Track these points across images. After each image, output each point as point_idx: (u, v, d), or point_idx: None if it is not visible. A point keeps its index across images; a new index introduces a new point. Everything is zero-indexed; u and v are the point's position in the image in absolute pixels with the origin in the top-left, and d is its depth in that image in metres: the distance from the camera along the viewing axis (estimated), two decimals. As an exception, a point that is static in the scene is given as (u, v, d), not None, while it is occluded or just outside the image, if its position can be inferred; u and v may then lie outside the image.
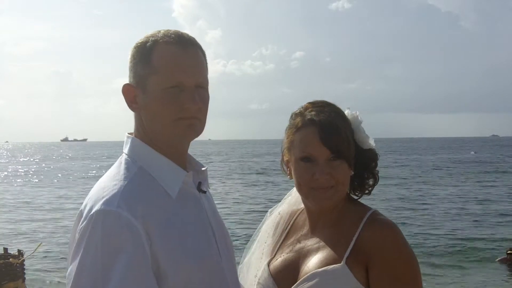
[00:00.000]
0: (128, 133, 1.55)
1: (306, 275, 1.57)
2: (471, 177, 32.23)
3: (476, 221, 16.55)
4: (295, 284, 1.59)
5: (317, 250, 1.63)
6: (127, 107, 1.51)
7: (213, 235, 1.51)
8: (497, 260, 11.78)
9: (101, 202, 1.34)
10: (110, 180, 1.43)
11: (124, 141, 1.55)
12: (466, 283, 10.35)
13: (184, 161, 1.54)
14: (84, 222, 1.34)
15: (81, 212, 1.38)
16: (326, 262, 1.57)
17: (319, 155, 1.60)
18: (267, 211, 1.92)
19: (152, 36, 1.49)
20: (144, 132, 1.49)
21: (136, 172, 1.44)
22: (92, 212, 1.33)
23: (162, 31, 1.50)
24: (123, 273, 1.27)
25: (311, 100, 1.72)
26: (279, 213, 1.85)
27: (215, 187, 26.84)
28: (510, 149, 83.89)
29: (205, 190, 1.56)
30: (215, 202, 1.67)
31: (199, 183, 1.55)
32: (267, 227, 1.85)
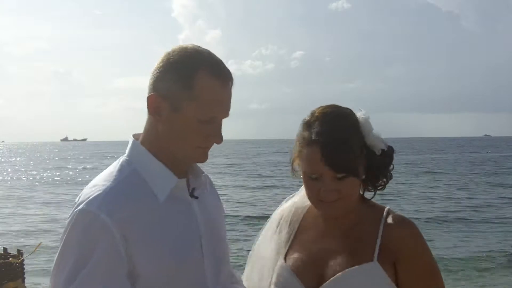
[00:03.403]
0: (134, 135, 1.59)
1: (339, 273, 1.60)
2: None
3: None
4: (328, 282, 1.61)
5: (342, 249, 1.65)
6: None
7: (200, 239, 1.54)
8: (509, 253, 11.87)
9: (85, 202, 1.42)
10: (101, 180, 1.49)
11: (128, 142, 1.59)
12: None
13: (184, 167, 1.58)
14: (68, 219, 1.43)
15: (73, 206, 1.46)
16: (356, 261, 1.60)
17: (324, 173, 1.61)
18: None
19: (194, 56, 1.48)
20: (156, 140, 1.52)
21: (128, 174, 1.50)
22: (76, 210, 1.42)
23: (204, 53, 1.49)
24: (91, 272, 1.35)
25: (314, 102, 1.72)
26: (294, 203, 1.85)
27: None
28: None
29: (197, 195, 1.58)
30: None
31: (193, 189, 1.58)
32: (278, 219, 1.85)
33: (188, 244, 1.51)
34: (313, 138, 1.63)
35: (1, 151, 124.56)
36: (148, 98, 1.49)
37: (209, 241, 1.57)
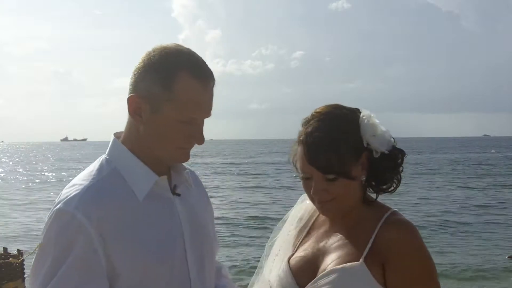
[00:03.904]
0: (115, 133, 1.59)
1: (324, 271, 1.59)
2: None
3: None
4: (314, 280, 1.61)
5: (335, 248, 1.65)
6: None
7: (182, 236, 1.54)
8: (507, 257, 11.80)
9: (64, 201, 1.42)
10: (81, 179, 1.49)
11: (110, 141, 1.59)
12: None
13: (166, 165, 1.58)
14: (47, 219, 1.44)
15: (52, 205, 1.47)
16: (345, 260, 1.59)
17: (312, 173, 1.61)
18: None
19: (174, 56, 1.47)
20: (137, 140, 1.52)
21: (107, 174, 1.50)
22: (54, 209, 1.43)
23: (185, 52, 1.49)
24: (68, 271, 1.36)
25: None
26: (308, 202, 1.83)
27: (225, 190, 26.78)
28: None
29: (180, 193, 1.59)
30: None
31: (175, 186, 1.58)
32: (294, 216, 1.87)
33: (170, 241, 1.51)
34: (301, 138, 1.64)
35: (0, 151, 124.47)
36: (128, 99, 1.48)
37: (193, 238, 1.57)
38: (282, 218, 1.94)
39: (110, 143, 1.57)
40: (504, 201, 21.23)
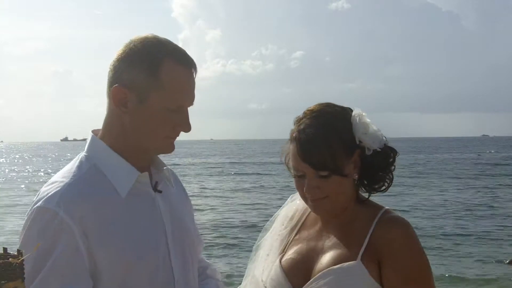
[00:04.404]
0: (93, 130, 1.57)
1: (321, 272, 1.59)
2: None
3: None
4: (310, 281, 1.60)
5: (330, 248, 1.64)
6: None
7: (164, 234, 1.53)
8: (507, 262, 11.70)
9: (44, 199, 1.39)
10: (60, 177, 1.47)
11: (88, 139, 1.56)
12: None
13: (146, 161, 1.57)
14: (26, 217, 1.41)
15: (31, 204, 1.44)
16: (341, 260, 1.59)
17: (305, 171, 1.61)
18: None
19: (157, 45, 1.46)
20: (120, 134, 1.50)
21: (87, 170, 1.47)
22: (34, 207, 1.39)
23: (166, 41, 1.48)
24: (51, 271, 1.33)
25: (314, 102, 1.70)
26: (298, 202, 1.83)
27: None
28: None
29: (161, 190, 1.57)
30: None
31: (156, 183, 1.57)
32: (284, 215, 1.86)
33: (153, 238, 1.50)
34: (294, 135, 1.64)
35: None
36: (112, 90, 1.46)
37: (175, 235, 1.56)
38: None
39: (89, 140, 1.55)
40: (505, 202, 21.22)
